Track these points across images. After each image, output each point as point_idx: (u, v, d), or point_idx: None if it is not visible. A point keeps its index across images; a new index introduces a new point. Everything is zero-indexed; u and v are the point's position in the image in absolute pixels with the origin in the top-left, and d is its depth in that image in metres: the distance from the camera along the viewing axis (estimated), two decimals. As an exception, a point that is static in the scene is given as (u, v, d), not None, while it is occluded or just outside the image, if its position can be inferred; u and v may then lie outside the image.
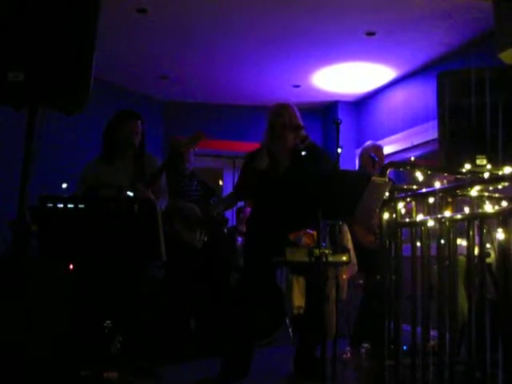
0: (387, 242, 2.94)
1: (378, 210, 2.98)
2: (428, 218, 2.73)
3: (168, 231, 4.77)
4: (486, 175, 3.05)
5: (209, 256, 4.80)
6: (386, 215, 2.94)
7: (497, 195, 2.97)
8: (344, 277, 3.83)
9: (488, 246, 2.77)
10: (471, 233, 2.50)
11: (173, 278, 4.90)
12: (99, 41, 2.48)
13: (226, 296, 5.02)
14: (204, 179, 5.29)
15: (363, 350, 4.24)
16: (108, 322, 3.00)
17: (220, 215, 5.28)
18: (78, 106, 2.47)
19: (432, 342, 2.69)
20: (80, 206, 2.58)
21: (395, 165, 3.84)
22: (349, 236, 3.99)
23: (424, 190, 2.84)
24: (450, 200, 2.69)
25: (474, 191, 2.76)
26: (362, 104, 7.46)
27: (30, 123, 2.45)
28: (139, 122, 4.04)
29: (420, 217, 2.79)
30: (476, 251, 2.49)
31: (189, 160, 5.07)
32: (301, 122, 3.80)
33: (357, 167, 6.11)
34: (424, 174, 3.10)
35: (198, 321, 4.97)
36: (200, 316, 4.94)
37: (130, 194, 3.62)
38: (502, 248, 2.40)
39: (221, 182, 7.62)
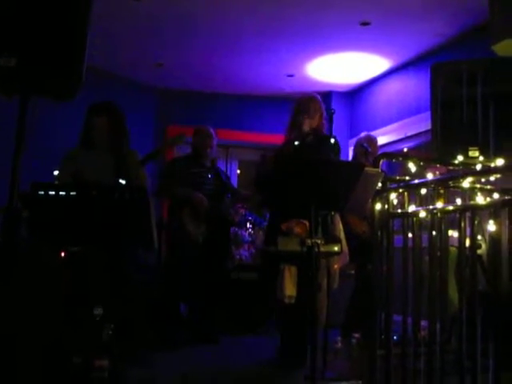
0: (379, 233, 2.95)
1: (370, 200, 2.98)
2: (420, 209, 2.74)
3: (175, 220, 4.79)
4: (478, 167, 3.06)
5: (208, 249, 4.81)
6: (378, 206, 2.94)
7: (488, 187, 2.98)
8: (335, 267, 3.85)
9: (479, 237, 2.78)
10: (463, 224, 2.50)
11: (170, 266, 4.93)
12: (93, 27, 2.46)
13: (220, 287, 5.07)
14: (224, 174, 5.32)
15: (354, 340, 4.26)
16: (99, 309, 3.00)
17: (229, 215, 5.35)
18: (70, 94, 2.45)
19: (423, 333, 2.71)
20: (71, 193, 2.57)
21: (388, 156, 3.85)
22: (341, 226, 4.00)
23: (416, 181, 2.85)
24: (441, 191, 2.70)
25: (466, 183, 2.77)
26: (356, 94, 7.45)
27: (22, 110, 2.43)
28: (105, 118, 3.87)
29: (412, 208, 2.80)
30: (467, 242, 2.50)
31: (210, 152, 5.09)
32: None
33: (350, 158, 6.12)
34: (416, 165, 3.11)
35: (190, 308, 4.99)
36: (192, 304, 4.96)
37: (122, 181, 3.61)
38: (493, 239, 2.42)
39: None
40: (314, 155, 3.77)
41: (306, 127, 4.02)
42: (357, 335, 4.28)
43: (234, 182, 7.45)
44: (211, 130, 5.14)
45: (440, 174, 3.13)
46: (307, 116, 4.06)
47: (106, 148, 3.87)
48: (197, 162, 5.02)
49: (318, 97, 4.25)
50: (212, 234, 4.83)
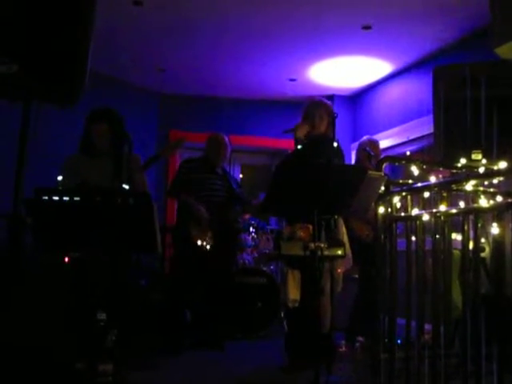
0: (382, 236, 2.95)
1: (373, 203, 2.99)
2: (423, 212, 2.74)
3: (181, 225, 4.80)
4: (481, 170, 3.06)
5: (214, 256, 4.81)
6: (381, 209, 2.94)
7: (492, 190, 2.98)
8: (339, 271, 3.85)
9: (483, 240, 2.78)
10: (466, 227, 2.50)
11: (175, 272, 4.93)
12: (95, 33, 2.47)
13: (225, 293, 5.07)
14: (236, 182, 5.31)
15: (358, 344, 4.26)
16: (103, 314, 3.01)
17: (237, 223, 5.36)
18: (72, 99, 2.46)
19: (426, 336, 2.70)
20: (75, 198, 2.57)
21: (391, 159, 3.85)
22: (344, 230, 4.00)
23: (419, 185, 2.84)
24: (445, 194, 2.70)
25: (469, 186, 2.76)
26: (358, 98, 7.45)
27: (25, 115, 2.44)
28: (104, 124, 3.91)
29: (415, 211, 2.80)
30: (471, 245, 2.50)
31: (223, 161, 5.09)
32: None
33: (353, 162, 6.12)
34: (419, 168, 3.11)
35: (194, 314, 4.98)
36: (195, 309, 4.96)
37: (126, 186, 3.61)
38: (497, 242, 2.41)
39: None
40: (316, 159, 3.77)
41: (300, 134, 4.00)
42: (361, 339, 4.28)
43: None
44: (226, 139, 5.11)
45: (443, 177, 3.13)
46: (307, 123, 4.05)
47: (108, 154, 3.88)
48: (209, 168, 5.01)
49: (325, 101, 4.22)
50: (219, 242, 4.83)
